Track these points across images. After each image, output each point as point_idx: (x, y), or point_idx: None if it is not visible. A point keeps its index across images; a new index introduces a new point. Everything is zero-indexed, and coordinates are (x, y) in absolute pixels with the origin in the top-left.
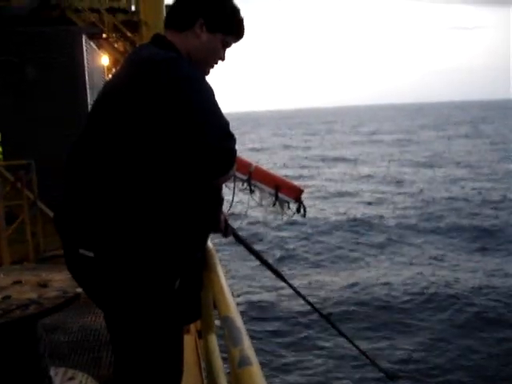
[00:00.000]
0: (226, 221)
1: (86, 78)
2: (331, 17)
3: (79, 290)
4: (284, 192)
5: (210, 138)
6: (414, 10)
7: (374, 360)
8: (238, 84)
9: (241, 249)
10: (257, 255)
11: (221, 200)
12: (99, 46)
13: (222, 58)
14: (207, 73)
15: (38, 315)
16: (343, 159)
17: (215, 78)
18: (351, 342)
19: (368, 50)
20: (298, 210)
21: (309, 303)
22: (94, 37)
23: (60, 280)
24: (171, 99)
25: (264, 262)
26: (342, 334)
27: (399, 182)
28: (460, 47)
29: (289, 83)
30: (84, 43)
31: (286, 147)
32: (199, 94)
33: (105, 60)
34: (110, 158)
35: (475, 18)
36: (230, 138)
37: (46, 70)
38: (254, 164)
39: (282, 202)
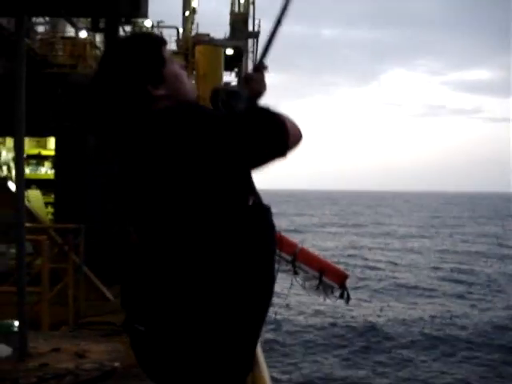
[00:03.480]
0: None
1: None
2: (352, 103)
3: (116, 364)
4: (328, 276)
5: (247, 122)
6: (469, 102)
7: None
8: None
9: None
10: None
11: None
12: None
13: (183, 67)
14: (194, 91)
15: None
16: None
17: None
18: None
19: (394, 138)
20: (342, 296)
21: None
22: None
23: (98, 351)
24: (202, 129)
25: None
26: None
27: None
28: (490, 138)
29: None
30: None
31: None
32: (205, 116)
33: None
34: (157, 235)
35: (504, 110)
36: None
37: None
38: (300, 245)
39: (325, 286)
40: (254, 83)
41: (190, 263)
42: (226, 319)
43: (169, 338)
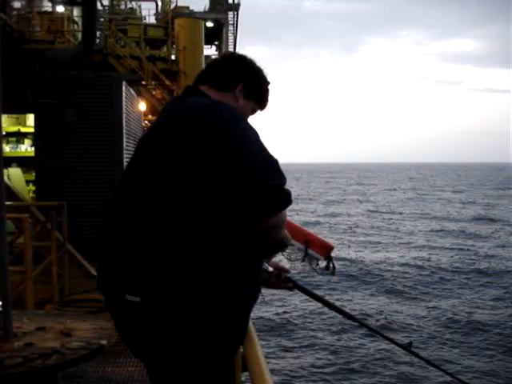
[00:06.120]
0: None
1: (124, 124)
2: (353, 76)
3: (103, 341)
4: (314, 248)
5: (257, 175)
6: (452, 72)
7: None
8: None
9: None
10: (322, 300)
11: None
12: (138, 93)
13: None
14: None
15: (60, 366)
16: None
17: None
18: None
19: (401, 108)
20: (327, 268)
21: (385, 337)
22: (134, 83)
23: (84, 330)
24: (218, 141)
25: (331, 306)
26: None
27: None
28: (473, 108)
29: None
30: (124, 90)
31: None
32: (245, 134)
33: (142, 106)
34: (156, 205)
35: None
36: (279, 176)
37: (85, 114)
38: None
39: (311, 259)
40: (274, 281)
41: (195, 240)
42: (224, 293)
43: (167, 306)
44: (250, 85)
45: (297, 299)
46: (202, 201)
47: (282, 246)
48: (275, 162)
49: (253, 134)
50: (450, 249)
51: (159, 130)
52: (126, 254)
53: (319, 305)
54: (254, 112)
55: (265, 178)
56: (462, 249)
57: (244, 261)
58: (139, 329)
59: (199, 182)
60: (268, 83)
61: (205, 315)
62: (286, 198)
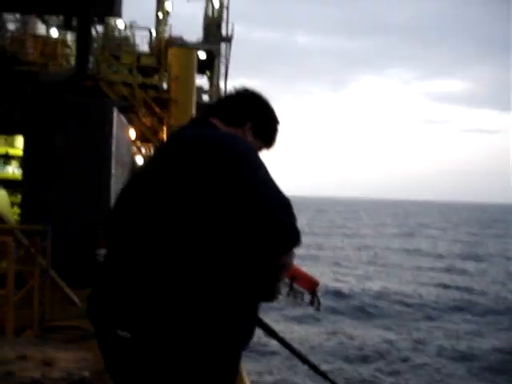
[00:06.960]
0: None
1: (113, 150)
2: (343, 111)
3: (85, 373)
4: (299, 283)
5: (273, 212)
6: (440, 112)
7: None
8: None
9: None
10: (280, 340)
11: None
12: (128, 120)
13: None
14: None
15: None
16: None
17: None
18: None
19: (389, 145)
20: (312, 303)
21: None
22: (125, 110)
23: (65, 360)
24: (233, 175)
25: (289, 348)
26: None
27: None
28: (481, 149)
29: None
30: (115, 116)
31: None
32: (259, 169)
33: (132, 133)
34: (158, 237)
35: (497, 123)
36: (292, 214)
37: (75, 139)
38: None
39: (296, 293)
40: None
41: (189, 271)
42: (216, 335)
43: (158, 345)
44: (260, 124)
45: (300, 329)
46: (209, 238)
47: (274, 290)
48: (287, 199)
49: (265, 170)
50: (438, 285)
51: (168, 157)
52: (120, 287)
53: (318, 334)
54: (260, 150)
55: (279, 215)
56: (449, 285)
57: (242, 303)
58: (129, 364)
59: (209, 217)
60: (278, 123)
61: (195, 357)
62: (297, 237)
